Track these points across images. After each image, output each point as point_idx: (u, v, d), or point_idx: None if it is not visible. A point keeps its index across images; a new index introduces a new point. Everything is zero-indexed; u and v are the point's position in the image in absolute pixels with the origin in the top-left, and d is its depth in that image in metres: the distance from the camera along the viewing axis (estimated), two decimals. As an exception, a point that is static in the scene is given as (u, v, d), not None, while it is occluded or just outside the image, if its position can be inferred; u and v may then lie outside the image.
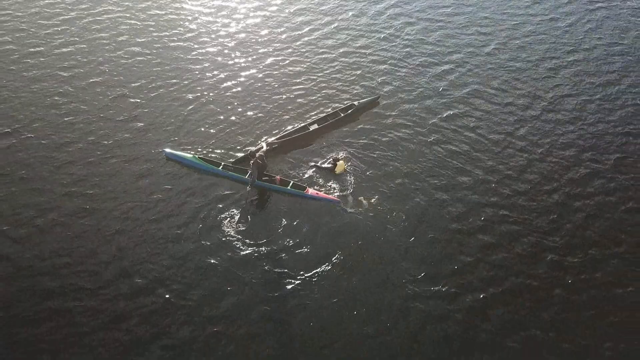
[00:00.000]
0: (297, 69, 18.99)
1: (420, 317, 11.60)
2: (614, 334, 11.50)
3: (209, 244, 12.84)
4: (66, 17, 21.24)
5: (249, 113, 16.89)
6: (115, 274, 12.12)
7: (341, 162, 14.76)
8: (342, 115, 16.67)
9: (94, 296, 11.67)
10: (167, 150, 15.11)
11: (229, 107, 17.11)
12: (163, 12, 21.99)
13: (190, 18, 21.63)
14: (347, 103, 17.24)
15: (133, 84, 17.85)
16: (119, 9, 22.00)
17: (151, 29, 20.84)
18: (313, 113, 17.00)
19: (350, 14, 22.43)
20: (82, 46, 19.56)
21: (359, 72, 18.95)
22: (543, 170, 15.35)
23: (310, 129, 16.12)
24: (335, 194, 14.24)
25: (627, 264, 12.91)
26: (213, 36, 20.57)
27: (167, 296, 11.73)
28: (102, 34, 20.34)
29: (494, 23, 22.09)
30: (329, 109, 17.09)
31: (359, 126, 16.58)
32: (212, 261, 12.46)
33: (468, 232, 13.49)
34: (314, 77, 18.59)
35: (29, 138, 15.57)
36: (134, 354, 10.74)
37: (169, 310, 11.48)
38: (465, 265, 12.70)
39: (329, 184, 14.58)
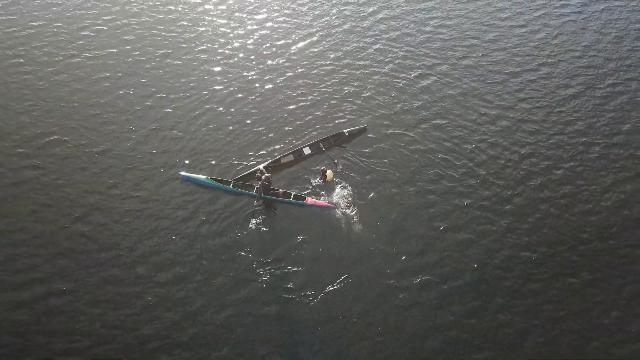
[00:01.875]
0: (297, 94, 21.35)
1: (403, 302, 15.22)
2: (564, 317, 15.00)
3: (225, 248, 16.30)
4: (96, 26, 24.14)
5: (251, 134, 19.66)
6: (150, 266, 15.84)
7: (329, 171, 17.95)
8: (333, 142, 19.24)
9: (134, 282, 15.52)
10: (183, 173, 18.04)
11: (234, 128, 19.87)
12: (186, 21, 24.62)
13: (210, 33, 24.25)
14: (337, 130, 19.68)
15: (157, 95, 21.02)
16: (146, 19, 24.77)
17: (173, 38, 23.65)
18: (307, 136, 19.57)
19: (355, 37, 24.33)
20: (112, 57, 22.56)
21: (352, 99, 21.24)
22: (508, 178, 18.44)
23: (304, 153, 18.78)
24: (330, 201, 17.47)
25: (574, 256, 16.33)
26: (230, 52, 23.26)
27: (189, 286, 15.51)
28: (130, 44, 23.25)
29: (475, 45, 23.98)
30: (322, 134, 19.65)
31: (347, 148, 19.23)
32: (226, 261, 16.04)
33: (444, 231, 16.90)
34: (313, 102, 21.00)
35: (77, 145, 18.94)
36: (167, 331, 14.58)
37: (189, 297, 15.24)
38: (442, 259, 16.20)
39: (323, 194, 17.70)
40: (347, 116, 20.52)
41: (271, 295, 15.17)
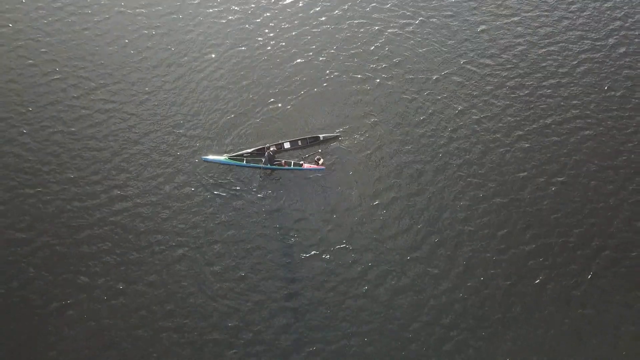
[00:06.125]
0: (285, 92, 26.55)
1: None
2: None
3: (240, 207, 22.73)
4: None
5: (252, 121, 25.56)
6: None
7: (322, 160, 24.50)
8: (308, 142, 24.61)
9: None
10: (204, 156, 23.73)
11: (246, 117, 25.85)
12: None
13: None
14: (313, 134, 24.68)
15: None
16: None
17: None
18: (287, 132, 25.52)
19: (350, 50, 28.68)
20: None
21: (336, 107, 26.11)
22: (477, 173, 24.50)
23: (284, 147, 24.81)
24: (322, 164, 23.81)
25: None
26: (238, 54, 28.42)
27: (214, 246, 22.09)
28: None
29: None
30: (300, 134, 24.78)
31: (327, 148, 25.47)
32: (238, 218, 22.49)
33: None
34: (299, 104, 26.13)
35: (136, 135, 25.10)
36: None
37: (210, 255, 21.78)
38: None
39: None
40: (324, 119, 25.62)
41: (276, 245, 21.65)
